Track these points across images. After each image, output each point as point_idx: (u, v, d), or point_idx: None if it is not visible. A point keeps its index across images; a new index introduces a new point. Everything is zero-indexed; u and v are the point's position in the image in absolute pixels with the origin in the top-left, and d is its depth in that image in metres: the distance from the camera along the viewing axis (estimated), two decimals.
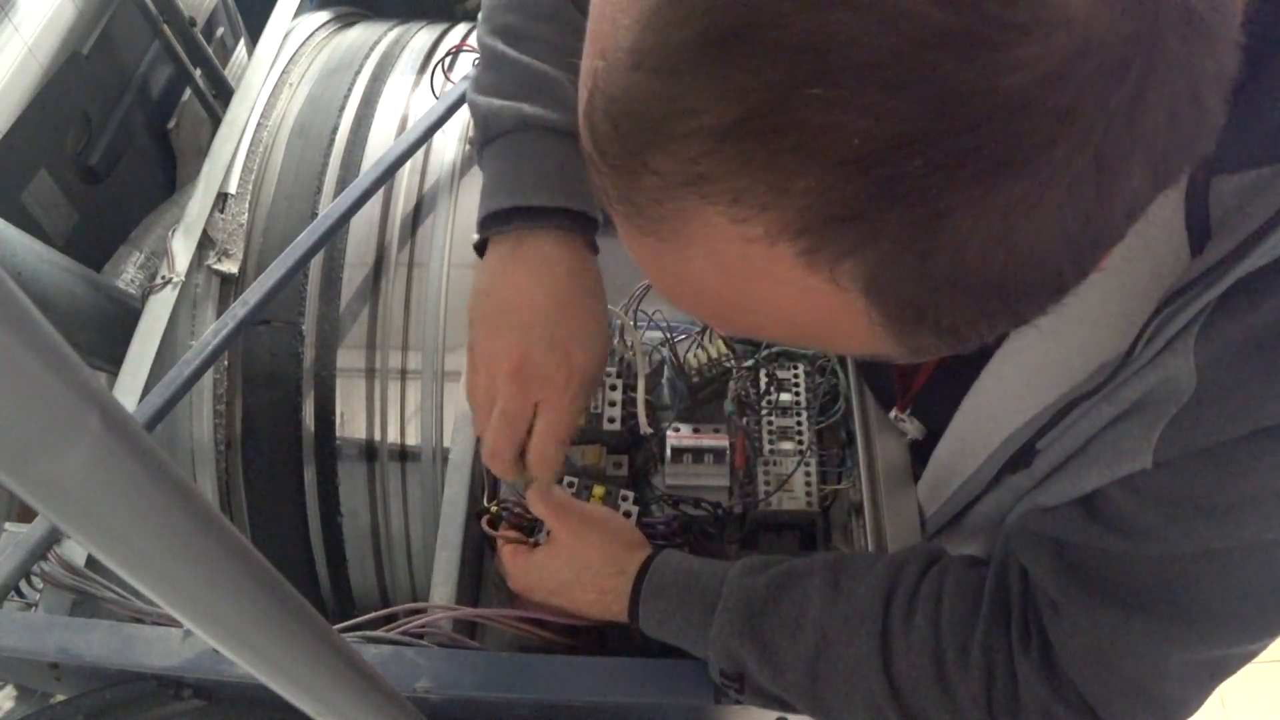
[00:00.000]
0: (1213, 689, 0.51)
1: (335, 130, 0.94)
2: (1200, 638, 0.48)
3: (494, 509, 0.72)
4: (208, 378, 0.81)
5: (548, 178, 0.61)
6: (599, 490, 0.70)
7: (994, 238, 0.27)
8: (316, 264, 0.86)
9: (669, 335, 0.81)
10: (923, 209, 0.26)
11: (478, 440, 0.78)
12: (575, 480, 0.71)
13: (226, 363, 0.83)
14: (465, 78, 0.86)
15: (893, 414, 0.70)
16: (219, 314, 0.83)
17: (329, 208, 0.82)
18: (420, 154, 0.88)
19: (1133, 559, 0.49)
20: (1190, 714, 0.52)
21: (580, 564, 0.66)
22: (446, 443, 0.81)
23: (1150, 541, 0.48)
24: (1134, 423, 0.45)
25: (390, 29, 1.09)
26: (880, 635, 0.55)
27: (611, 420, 0.74)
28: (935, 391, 0.62)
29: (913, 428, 0.67)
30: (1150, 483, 0.46)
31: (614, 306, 0.78)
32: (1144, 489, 0.47)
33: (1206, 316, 0.41)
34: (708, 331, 0.81)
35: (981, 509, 0.58)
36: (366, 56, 1.02)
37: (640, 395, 0.74)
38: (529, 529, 0.71)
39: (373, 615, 0.67)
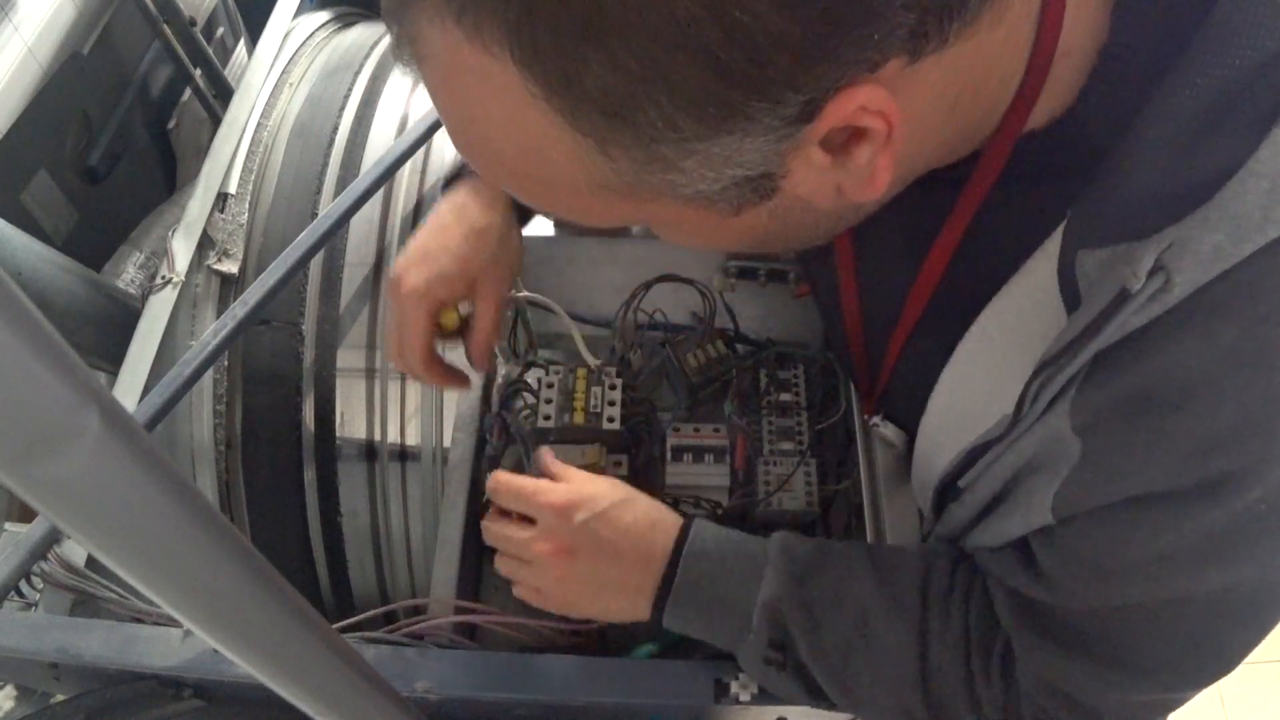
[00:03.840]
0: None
1: (335, 130, 0.93)
2: (1135, 684, 0.49)
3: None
4: (208, 378, 0.81)
5: None
6: (591, 452, 0.69)
7: None
8: (316, 264, 0.86)
9: (669, 335, 0.81)
10: None
11: (478, 439, 0.79)
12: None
13: (226, 363, 0.83)
14: None
15: (871, 421, 0.69)
16: (219, 314, 0.83)
17: (329, 208, 0.81)
18: (420, 154, 0.88)
19: (1063, 608, 0.50)
20: None
21: (625, 495, 0.62)
22: (446, 443, 0.81)
23: (1065, 596, 0.49)
24: (1039, 478, 0.47)
25: None
26: (919, 625, 0.55)
27: (611, 420, 0.74)
28: (899, 398, 0.62)
29: (890, 433, 0.67)
30: (1059, 539, 0.48)
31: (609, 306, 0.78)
32: (1055, 544, 0.48)
33: (1080, 383, 0.42)
34: (708, 331, 0.81)
35: (937, 533, 0.59)
36: (366, 56, 1.02)
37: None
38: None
39: (372, 613, 0.67)
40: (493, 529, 0.65)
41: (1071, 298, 0.41)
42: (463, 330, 0.70)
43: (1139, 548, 0.45)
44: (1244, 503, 0.41)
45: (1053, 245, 0.42)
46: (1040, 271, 0.43)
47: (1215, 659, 0.48)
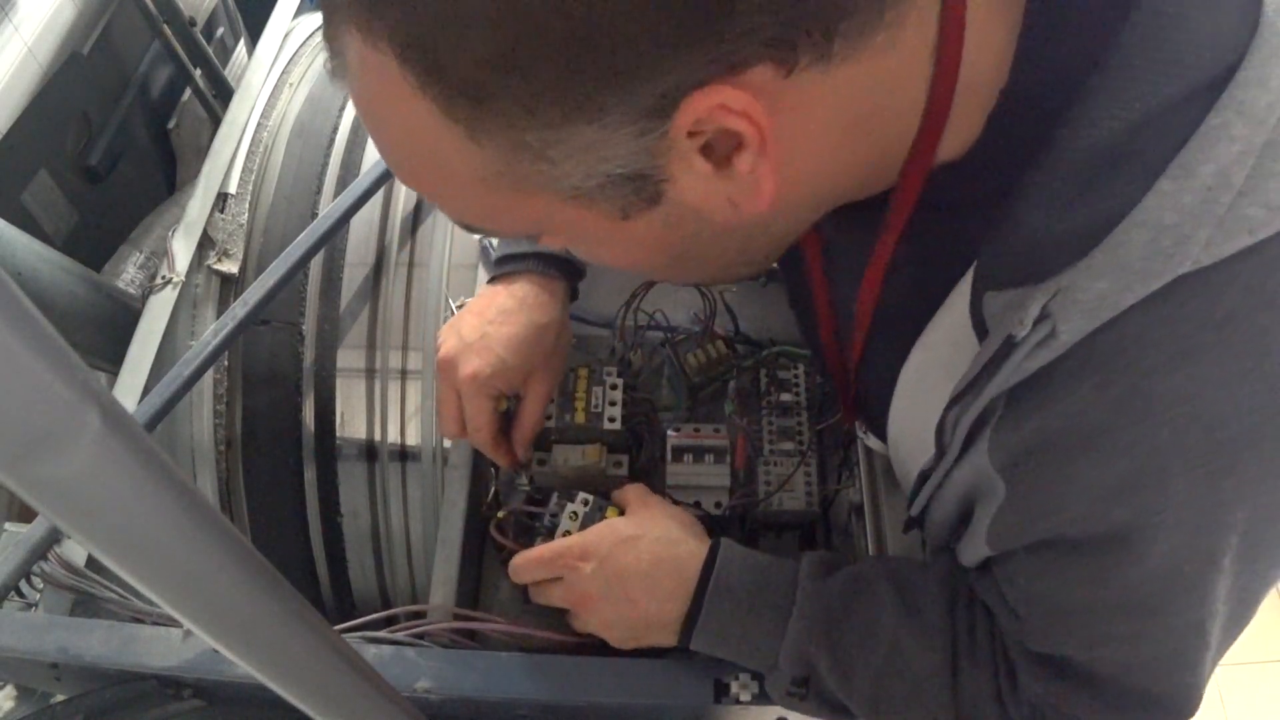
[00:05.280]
0: None
1: (335, 130, 0.93)
2: (1125, 714, 0.50)
3: (501, 515, 0.72)
4: (208, 378, 0.81)
5: None
6: (612, 512, 0.69)
7: None
8: (316, 264, 0.86)
9: (669, 335, 0.81)
10: None
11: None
12: (590, 498, 0.70)
13: (226, 363, 0.83)
14: None
15: (858, 431, 0.69)
16: (219, 314, 0.83)
17: (329, 208, 0.82)
18: None
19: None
20: None
21: (629, 534, 0.64)
22: (447, 443, 0.81)
23: (1028, 633, 0.50)
24: (980, 508, 0.48)
25: None
26: (950, 648, 0.55)
27: (612, 420, 0.74)
28: (869, 413, 0.62)
29: (875, 443, 0.67)
30: (1007, 570, 0.50)
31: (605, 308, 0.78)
32: (1006, 576, 0.50)
33: (995, 423, 0.42)
34: (708, 331, 0.81)
35: (930, 545, 0.59)
36: None
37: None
38: (531, 536, 0.71)
39: (374, 616, 0.67)
40: (537, 596, 0.68)
41: (983, 336, 0.42)
42: (506, 414, 0.73)
43: (1072, 595, 0.46)
44: (1158, 558, 0.42)
45: (966, 284, 0.42)
46: (958, 308, 0.44)
47: (1190, 692, 0.48)
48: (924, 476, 0.50)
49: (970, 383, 0.41)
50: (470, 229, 0.44)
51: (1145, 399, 0.38)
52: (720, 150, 0.36)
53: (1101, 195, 0.35)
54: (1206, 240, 0.34)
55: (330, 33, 0.36)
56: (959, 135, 0.40)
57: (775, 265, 0.85)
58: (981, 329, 0.41)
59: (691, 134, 0.35)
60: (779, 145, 0.35)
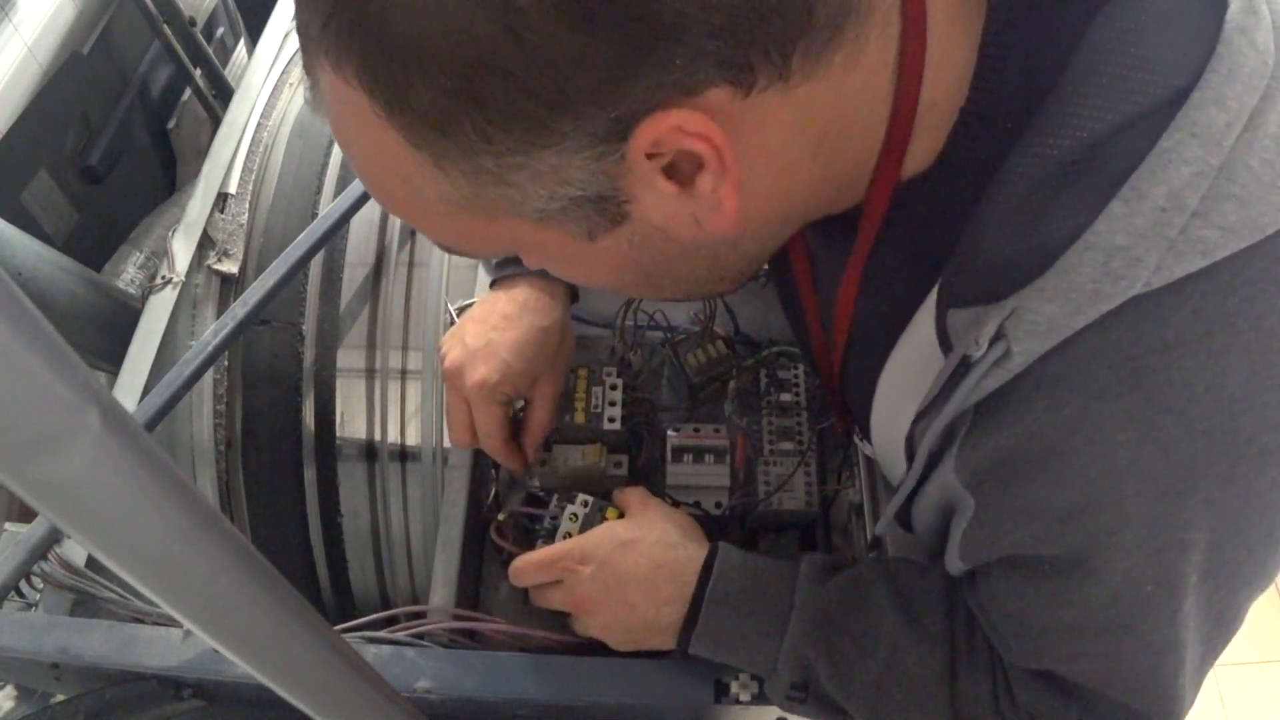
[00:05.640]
0: None
1: None
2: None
3: (502, 518, 0.72)
4: (208, 378, 0.81)
5: None
6: (612, 513, 0.70)
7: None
8: (316, 264, 0.86)
9: (669, 335, 0.81)
10: None
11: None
12: (590, 499, 0.70)
13: (226, 363, 0.83)
14: None
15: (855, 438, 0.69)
16: (219, 314, 0.83)
17: (329, 208, 0.82)
18: None
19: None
20: None
21: (629, 537, 0.64)
22: (446, 443, 0.81)
23: (1005, 648, 0.51)
24: (954, 522, 0.48)
25: None
26: (949, 652, 0.55)
27: (612, 420, 0.74)
28: (856, 418, 0.63)
29: (870, 450, 0.67)
30: (980, 584, 0.50)
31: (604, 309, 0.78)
32: (979, 589, 0.50)
33: (962, 440, 0.42)
34: (708, 331, 0.81)
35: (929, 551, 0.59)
36: None
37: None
38: (531, 538, 0.71)
39: (374, 616, 0.67)
40: (537, 599, 0.68)
41: (949, 352, 0.42)
42: (514, 419, 0.73)
43: (1042, 613, 0.46)
44: (1120, 578, 0.42)
45: (934, 298, 0.43)
46: (926, 323, 0.44)
47: (1172, 705, 0.48)
48: (897, 486, 0.50)
49: (933, 399, 0.42)
50: (450, 250, 0.45)
51: (1097, 421, 0.38)
52: (684, 170, 0.36)
53: (1054, 216, 0.35)
54: (1157, 263, 0.34)
55: (307, 64, 0.37)
56: (924, 150, 0.40)
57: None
58: (947, 345, 0.41)
59: (651, 155, 0.35)
60: (740, 164, 0.36)
